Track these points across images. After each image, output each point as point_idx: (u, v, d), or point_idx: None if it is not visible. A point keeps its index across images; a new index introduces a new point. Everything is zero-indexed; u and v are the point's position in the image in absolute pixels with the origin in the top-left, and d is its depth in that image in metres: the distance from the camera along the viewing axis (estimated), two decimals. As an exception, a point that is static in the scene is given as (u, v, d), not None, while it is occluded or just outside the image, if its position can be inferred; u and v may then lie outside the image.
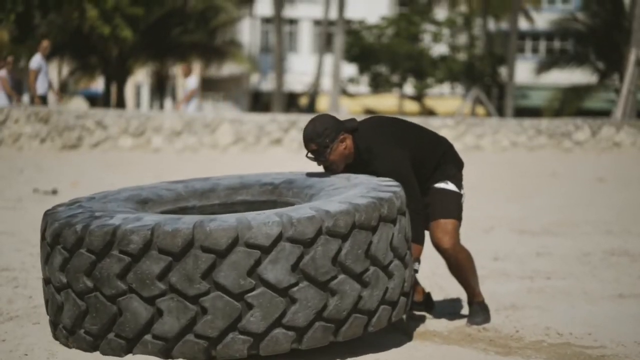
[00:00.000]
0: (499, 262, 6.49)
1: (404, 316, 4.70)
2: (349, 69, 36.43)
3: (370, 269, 3.65)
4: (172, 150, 15.15)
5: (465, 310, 4.77)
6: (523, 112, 32.10)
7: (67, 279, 3.57)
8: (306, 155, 4.17)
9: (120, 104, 24.79)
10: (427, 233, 4.38)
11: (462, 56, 36.18)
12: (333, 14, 31.73)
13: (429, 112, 36.13)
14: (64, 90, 29.42)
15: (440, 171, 4.37)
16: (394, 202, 3.78)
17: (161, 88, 31.73)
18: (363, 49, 35.07)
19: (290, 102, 34.73)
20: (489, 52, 34.42)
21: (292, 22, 39.30)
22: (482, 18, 35.27)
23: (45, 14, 22.64)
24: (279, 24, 28.76)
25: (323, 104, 34.21)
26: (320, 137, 4.07)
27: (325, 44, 32.46)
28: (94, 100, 34.39)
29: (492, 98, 33.20)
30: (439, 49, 36.50)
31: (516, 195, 10.90)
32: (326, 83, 33.43)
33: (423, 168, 4.29)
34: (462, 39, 37.24)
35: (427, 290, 4.90)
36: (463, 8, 35.97)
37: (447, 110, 35.54)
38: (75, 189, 9.64)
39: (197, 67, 28.10)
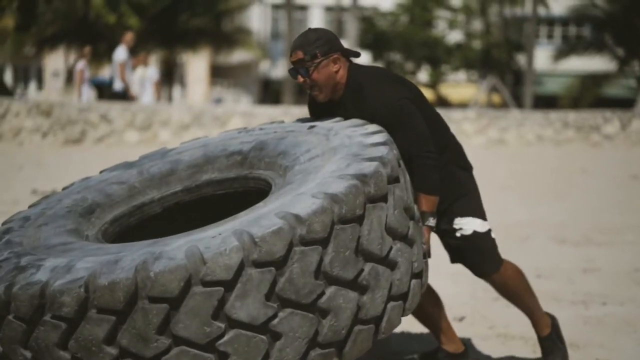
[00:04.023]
0: (543, 280, 5.81)
1: None
2: (363, 57, 35.75)
3: (366, 268, 2.89)
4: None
5: (514, 352, 4.09)
6: (538, 100, 31.44)
7: (3, 348, 2.88)
8: (289, 71, 3.39)
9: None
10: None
11: (477, 43, 35.48)
12: (344, 0, 31.02)
13: (444, 101, 35.49)
14: (71, 79, 28.87)
15: (456, 187, 3.51)
16: (380, 175, 2.95)
17: (169, 76, 31.24)
18: (377, 36, 34.49)
19: (301, 90, 34.00)
20: (505, 39, 33.71)
21: (303, 8, 38.64)
22: (498, 4, 34.55)
23: (49, 1, 22.03)
24: (290, 11, 28.07)
25: (335, 92, 33.55)
26: (311, 46, 3.29)
27: (336, 30, 31.78)
28: (101, 89, 33.86)
29: (506, 85, 32.50)
30: (455, 36, 35.78)
31: (548, 196, 10.22)
32: (338, 71, 32.74)
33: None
34: (478, 25, 36.49)
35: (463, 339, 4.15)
36: (478, -6, 35.28)
37: (462, 98, 34.86)
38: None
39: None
